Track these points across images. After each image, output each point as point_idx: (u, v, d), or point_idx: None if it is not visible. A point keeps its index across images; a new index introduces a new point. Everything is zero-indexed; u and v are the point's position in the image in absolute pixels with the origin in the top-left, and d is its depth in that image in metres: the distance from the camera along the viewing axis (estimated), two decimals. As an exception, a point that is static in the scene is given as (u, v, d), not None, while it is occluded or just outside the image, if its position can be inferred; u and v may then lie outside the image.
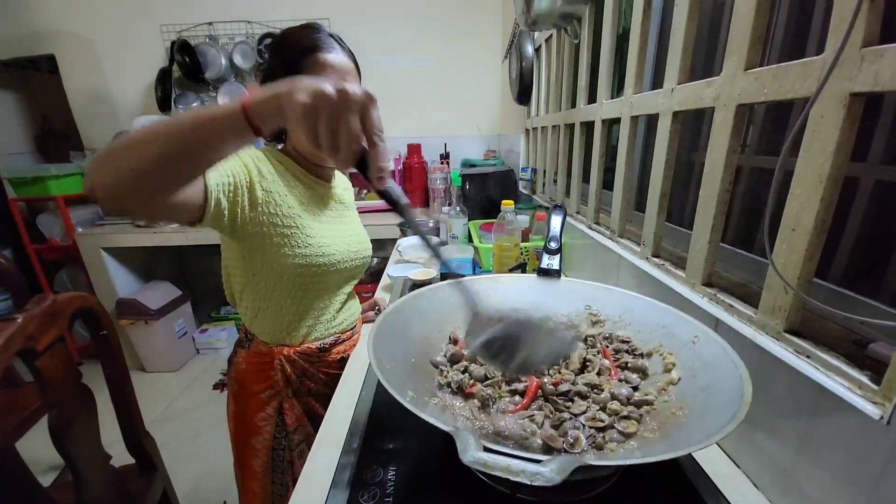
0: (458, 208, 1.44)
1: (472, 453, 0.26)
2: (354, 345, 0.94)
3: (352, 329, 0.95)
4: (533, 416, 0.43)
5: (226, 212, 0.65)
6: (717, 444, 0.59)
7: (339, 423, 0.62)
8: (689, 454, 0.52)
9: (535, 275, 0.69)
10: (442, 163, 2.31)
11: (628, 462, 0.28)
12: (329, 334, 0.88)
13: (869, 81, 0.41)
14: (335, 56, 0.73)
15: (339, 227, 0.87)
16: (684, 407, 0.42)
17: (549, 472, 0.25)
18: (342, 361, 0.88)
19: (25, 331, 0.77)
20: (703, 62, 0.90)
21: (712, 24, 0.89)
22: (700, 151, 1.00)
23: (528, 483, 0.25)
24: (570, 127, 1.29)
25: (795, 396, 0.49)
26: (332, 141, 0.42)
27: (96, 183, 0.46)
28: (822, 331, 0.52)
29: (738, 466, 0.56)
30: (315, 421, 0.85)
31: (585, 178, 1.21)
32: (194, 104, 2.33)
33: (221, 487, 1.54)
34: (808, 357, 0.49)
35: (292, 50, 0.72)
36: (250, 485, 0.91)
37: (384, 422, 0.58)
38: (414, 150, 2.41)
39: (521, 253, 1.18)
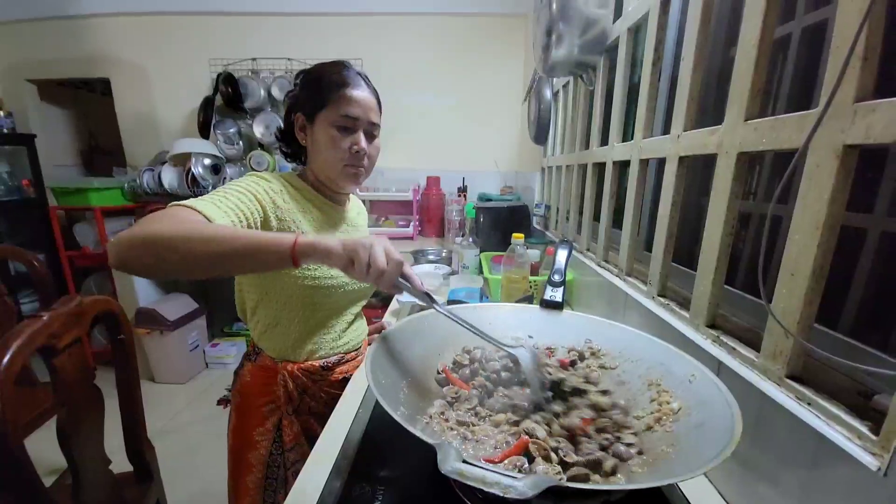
0: (470, 239, 1.47)
1: (451, 463, 0.27)
2: (358, 366, 0.95)
3: (357, 350, 0.97)
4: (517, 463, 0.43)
5: None
6: (720, 494, 0.57)
7: (333, 443, 0.63)
8: (687, 499, 0.51)
9: (539, 306, 0.70)
10: (459, 196, 2.38)
11: (605, 487, 0.28)
12: (333, 353, 0.90)
13: (861, 134, 0.43)
14: (360, 92, 0.79)
15: None
16: (675, 444, 0.41)
17: (522, 486, 0.26)
18: (344, 382, 0.89)
19: (50, 328, 0.81)
20: (713, 112, 0.93)
21: (721, 75, 0.93)
22: (709, 196, 1.01)
23: (501, 495, 0.25)
24: (584, 167, 1.33)
25: (797, 444, 0.48)
26: (373, 278, 0.53)
27: (130, 263, 0.53)
28: (827, 380, 0.51)
29: (741, 519, 0.54)
30: (313, 441, 0.85)
31: (596, 217, 1.23)
32: (231, 130, 2.49)
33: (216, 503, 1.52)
34: (809, 404, 0.48)
35: (321, 84, 0.79)
36: (242, 501, 0.91)
37: (377, 444, 0.59)
38: (433, 182, 2.49)
39: (530, 286, 1.19)
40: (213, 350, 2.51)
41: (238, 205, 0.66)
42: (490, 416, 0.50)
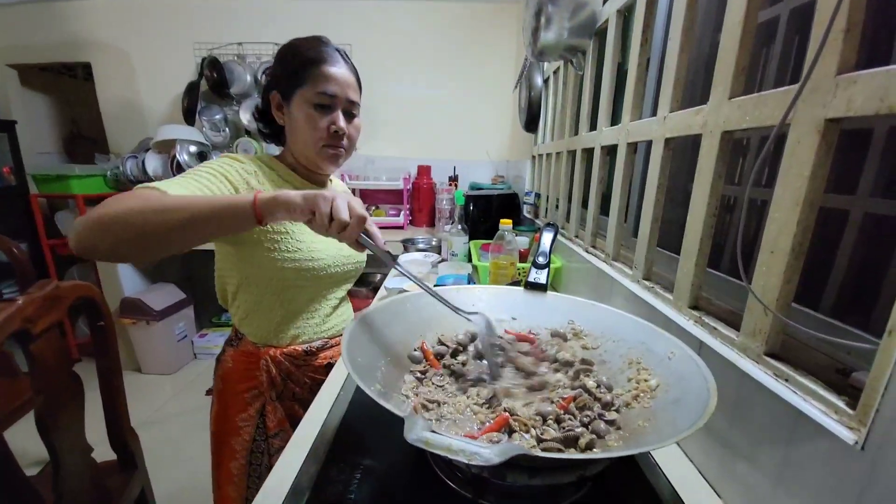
0: (459, 226, 1.46)
1: (416, 432, 0.26)
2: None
3: (341, 335, 0.96)
4: (493, 438, 0.42)
5: None
6: (700, 472, 0.58)
7: (313, 428, 0.62)
8: (665, 476, 0.51)
9: (523, 288, 0.69)
10: (450, 185, 2.36)
11: (574, 457, 0.28)
12: (317, 338, 0.89)
13: (842, 107, 0.42)
14: (338, 69, 0.77)
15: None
16: (652, 419, 0.41)
17: (488, 453, 0.25)
18: (329, 367, 0.89)
19: (24, 312, 0.79)
20: (700, 97, 0.93)
21: (710, 61, 0.93)
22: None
23: (466, 462, 0.25)
24: (573, 154, 1.32)
25: (775, 422, 0.48)
26: (335, 230, 0.52)
27: (89, 246, 0.51)
28: (806, 358, 0.52)
29: (720, 496, 0.55)
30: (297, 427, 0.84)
31: (584, 204, 1.23)
32: (217, 116, 2.43)
33: (201, 495, 1.51)
34: (786, 381, 0.48)
35: (298, 60, 0.76)
36: (226, 488, 0.90)
37: (356, 428, 0.58)
38: (424, 171, 2.47)
39: (518, 273, 1.19)
40: (201, 340, 2.48)
41: (208, 185, 0.65)
42: (459, 393, 0.50)
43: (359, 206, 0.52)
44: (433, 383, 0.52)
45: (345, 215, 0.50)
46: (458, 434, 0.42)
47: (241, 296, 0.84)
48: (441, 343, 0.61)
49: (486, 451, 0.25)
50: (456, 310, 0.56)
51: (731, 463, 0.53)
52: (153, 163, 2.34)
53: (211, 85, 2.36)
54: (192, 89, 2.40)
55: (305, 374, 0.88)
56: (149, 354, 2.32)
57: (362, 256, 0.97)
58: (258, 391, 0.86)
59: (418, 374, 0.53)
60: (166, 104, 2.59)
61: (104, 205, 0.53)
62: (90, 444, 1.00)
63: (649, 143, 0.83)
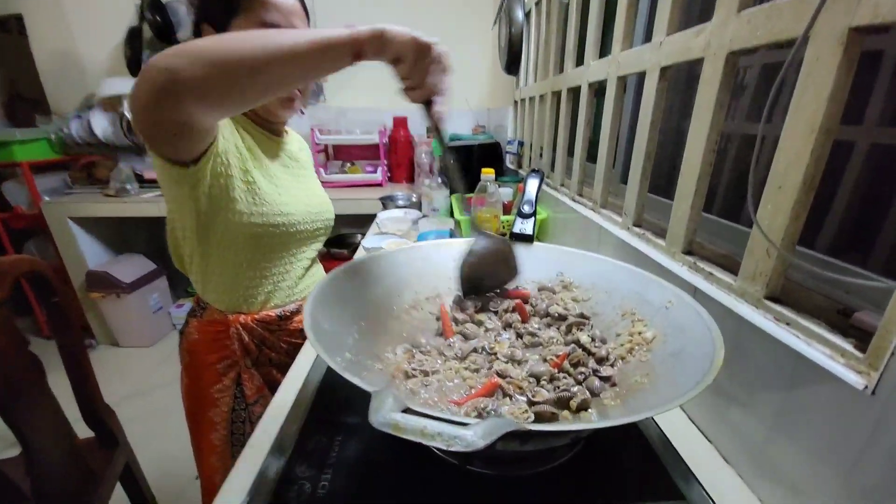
0: (438, 180, 1.38)
1: (383, 414, 0.22)
2: None
3: None
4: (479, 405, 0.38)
5: (211, 160, 0.62)
6: (689, 419, 0.56)
7: (291, 392, 0.58)
8: (658, 426, 0.49)
9: (508, 239, 0.64)
10: (429, 137, 2.23)
11: (567, 428, 0.24)
12: (290, 301, 0.83)
13: (869, 14, 0.36)
14: None
15: (297, 185, 0.81)
16: (650, 374, 0.38)
17: (471, 435, 0.21)
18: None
19: (-46, 292, 0.71)
20: (700, 16, 0.84)
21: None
22: (689, 121, 0.95)
23: (445, 448, 0.20)
24: (557, 95, 1.23)
25: (774, 368, 0.45)
26: (418, 80, 0.50)
27: (180, 71, 0.43)
28: (805, 300, 0.49)
29: (710, 441, 0.54)
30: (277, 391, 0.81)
31: (570, 152, 1.16)
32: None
33: (191, 465, 1.51)
34: (788, 325, 0.45)
35: None
36: (209, 459, 0.87)
37: (335, 391, 0.54)
38: (400, 123, 2.32)
39: (502, 225, 1.13)
40: (179, 311, 2.41)
41: None
42: (456, 360, 0.46)
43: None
44: (437, 353, 0.47)
45: (437, 45, 0.49)
46: (441, 404, 0.38)
47: (201, 259, 0.76)
48: (460, 308, 0.55)
49: (468, 434, 0.21)
50: None
51: (725, 411, 0.52)
52: (101, 123, 2.12)
53: (155, 30, 2.10)
54: (134, 36, 2.14)
55: (280, 339, 0.84)
56: (124, 328, 2.24)
57: (331, 213, 0.90)
58: (231, 360, 0.82)
59: (412, 349, 0.48)
60: (107, 55, 2.32)
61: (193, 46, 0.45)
62: (68, 424, 0.95)
63: (640, 82, 0.76)
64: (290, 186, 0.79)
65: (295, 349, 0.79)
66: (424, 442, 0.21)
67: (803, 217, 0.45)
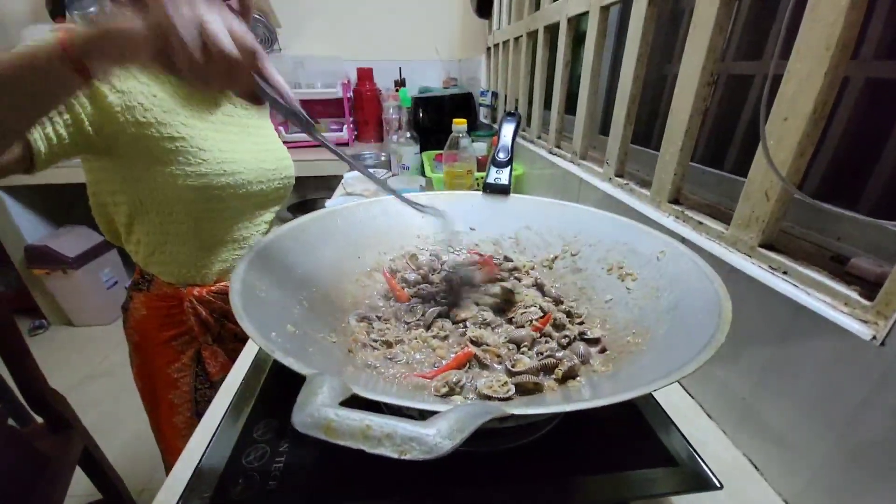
0: (407, 135, 1.28)
1: (311, 410, 0.16)
2: None
3: None
4: (451, 380, 0.32)
5: (66, 145, 0.51)
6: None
7: (242, 371, 0.51)
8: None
9: (481, 192, 0.57)
10: (396, 90, 2.08)
11: (563, 409, 0.19)
12: None
13: None
14: None
15: (245, 138, 0.70)
16: (644, 333, 0.34)
17: (433, 435, 0.15)
18: None
19: None
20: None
21: None
22: (674, 63, 0.89)
23: (397, 457, 0.15)
24: (534, 36, 1.13)
25: (766, 320, 0.42)
26: (218, 68, 0.31)
27: None
28: (796, 248, 0.45)
29: (692, 396, 0.51)
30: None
31: (548, 104, 1.08)
32: (91, 9, 1.92)
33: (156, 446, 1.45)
34: (785, 273, 0.42)
35: None
36: (174, 442, 0.81)
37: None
38: (365, 75, 2.14)
39: (476, 182, 1.06)
40: (137, 285, 2.26)
41: None
42: (419, 326, 0.40)
43: (243, 32, 0.31)
44: (396, 320, 0.41)
45: (225, 41, 0.29)
46: (408, 381, 0.32)
47: (139, 228, 0.67)
48: (413, 266, 0.49)
49: (428, 435, 0.15)
50: (414, 205, 0.45)
51: (708, 366, 0.49)
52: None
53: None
54: (49, -27, 1.84)
55: None
56: (77, 306, 2.08)
57: (290, 170, 0.80)
58: (189, 337, 0.74)
59: (367, 313, 0.42)
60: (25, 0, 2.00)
61: None
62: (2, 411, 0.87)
63: (623, 20, 0.68)
64: (236, 141, 0.68)
65: None
66: (368, 450, 0.15)
67: (809, 153, 0.40)
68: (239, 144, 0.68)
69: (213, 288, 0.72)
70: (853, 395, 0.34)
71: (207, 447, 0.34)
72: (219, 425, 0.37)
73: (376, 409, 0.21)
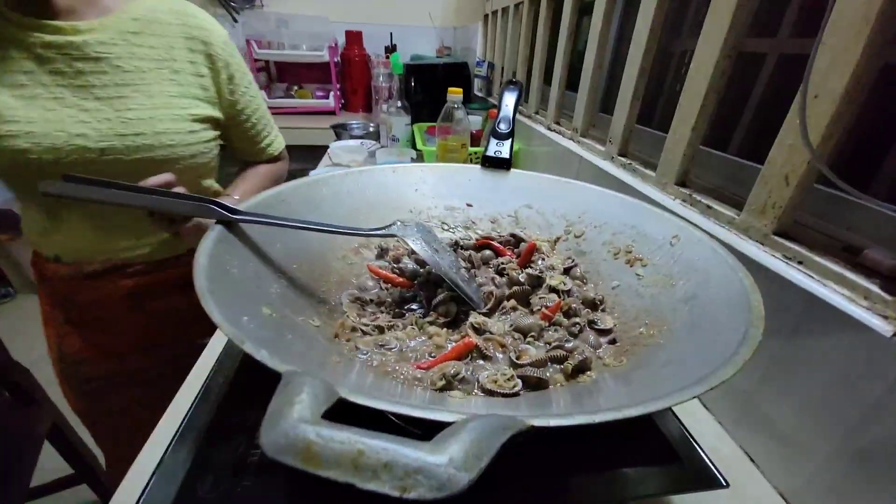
0: (399, 104, 1.21)
1: (285, 427, 0.12)
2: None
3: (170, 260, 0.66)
4: (448, 372, 0.29)
5: None
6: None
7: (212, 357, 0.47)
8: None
9: (480, 166, 0.53)
10: (387, 56, 1.97)
11: (579, 421, 0.16)
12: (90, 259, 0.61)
13: None
14: None
15: (69, 97, 0.52)
16: (661, 324, 0.31)
17: (445, 465, 0.12)
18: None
19: None
20: None
21: None
22: (682, 38, 0.85)
23: (398, 496, 0.11)
24: (536, 3, 1.07)
25: (776, 311, 0.40)
26: None
27: None
28: (808, 237, 0.43)
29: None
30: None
31: (547, 79, 1.03)
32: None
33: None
34: (799, 263, 0.39)
35: None
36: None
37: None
38: (354, 39, 2.02)
39: (470, 156, 1.02)
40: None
41: None
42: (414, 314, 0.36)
43: None
44: (392, 303, 0.37)
45: None
46: (406, 372, 0.28)
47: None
48: (396, 260, 0.44)
49: (439, 464, 0.11)
50: (362, 233, 0.37)
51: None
52: None
53: None
54: None
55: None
56: (45, 273, 1.98)
57: (156, 138, 0.56)
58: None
59: (361, 298, 0.37)
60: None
61: None
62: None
63: None
64: (45, 99, 0.51)
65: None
66: (359, 485, 0.12)
67: (837, 134, 0.37)
68: (50, 104, 0.51)
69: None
70: (867, 393, 0.32)
71: (171, 441, 0.31)
72: (184, 418, 0.33)
73: (365, 411, 0.18)
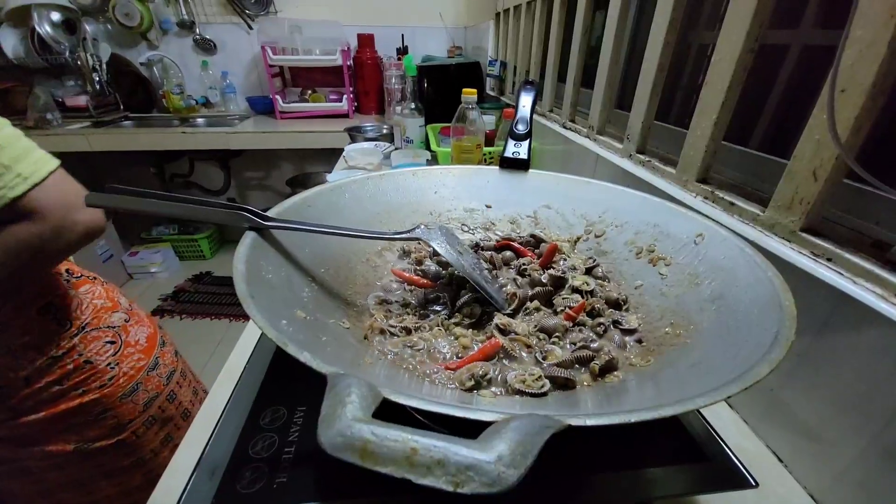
0: (412, 105, 1.22)
1: (341, 427, 0.13)
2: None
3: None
4: (476, 373, 0.29)
5: None
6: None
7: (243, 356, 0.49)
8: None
9: (498, 167, 0.54)
10: (399, 58, 1.99)
11: (632, 419, 0.16)
12: None
13: None
14: None
15: None
16: (688, 325, 0.31)
17: (494, 461, 0.13)
18: None
19: None
20: None
21: None
22: (698, 30, 0.83)
23: (451, 490, 0.12)
24: (549, 1, 1.06)
25: (804, 308, 0.39)
26: None
27: None
28: (835, 233, 0.42)
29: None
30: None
31: (562, 76, 1.02)
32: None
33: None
34: (829, 260, 0.39)
35: None
36: None
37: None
38: (366, 41, 2.04)
39: (485, 157, 1.02)
40: (132, 259, 2.22)
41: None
42: (440, 315, 0.37)
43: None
44: (417, 304, 0.38)
45: None
46: (435, 372, 0.29)
47: None
48: (418, 262, 0.45)
49: (489, 462, 0.12)
50: (386, 237, 0.39)
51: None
52: (10, 41, 1.77)
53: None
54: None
55: None
56: (73, 277, 2.06)
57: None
58: None
59: (387, 300, 0.38)
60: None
61: None
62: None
63: None
64: None
65: None
66: (415, 480, 0.12)
67: (866, 128, 0.37)
68: None
69: None
70: (899, 392, 0.32)
71: (210, 437, 0.32)
72: (222, 413, 0.35)
73: (402, 410, 0.18)
